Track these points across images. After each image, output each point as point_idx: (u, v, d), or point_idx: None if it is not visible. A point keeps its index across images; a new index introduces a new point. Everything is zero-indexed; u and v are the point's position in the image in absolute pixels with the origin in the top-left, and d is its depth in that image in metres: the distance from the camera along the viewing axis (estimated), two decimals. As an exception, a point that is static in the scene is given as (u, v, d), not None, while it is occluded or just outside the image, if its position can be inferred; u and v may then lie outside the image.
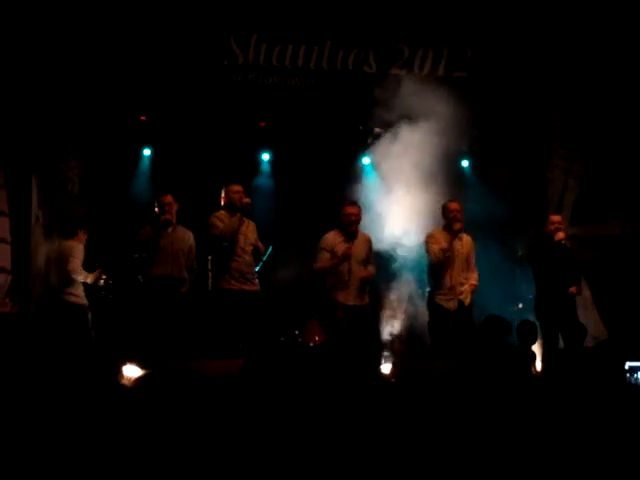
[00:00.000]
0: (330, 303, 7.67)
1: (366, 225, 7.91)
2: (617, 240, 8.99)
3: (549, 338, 7.66)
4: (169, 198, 7.63)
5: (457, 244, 7.72)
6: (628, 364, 6.73)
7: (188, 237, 7.75)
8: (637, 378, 6.81)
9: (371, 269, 7.80)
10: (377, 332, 8.39)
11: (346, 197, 7.99)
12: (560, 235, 7.89)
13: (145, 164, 9.20)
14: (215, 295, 7.63)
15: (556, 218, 8.09)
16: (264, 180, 9.18)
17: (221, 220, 7.47)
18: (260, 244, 7.61)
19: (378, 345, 8.24)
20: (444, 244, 7.64)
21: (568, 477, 2.68)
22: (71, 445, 2.44)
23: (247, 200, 7.47)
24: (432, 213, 8.03)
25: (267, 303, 7.78)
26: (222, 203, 7.56)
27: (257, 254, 7.58)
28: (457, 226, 7.65)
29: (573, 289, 7.86)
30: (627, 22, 8.66)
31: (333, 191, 8.39)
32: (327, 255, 7.67)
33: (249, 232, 7.58)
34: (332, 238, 7.74)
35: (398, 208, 8.04)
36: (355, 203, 7.81)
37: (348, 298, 7.63)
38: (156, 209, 7.62)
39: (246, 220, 7.59)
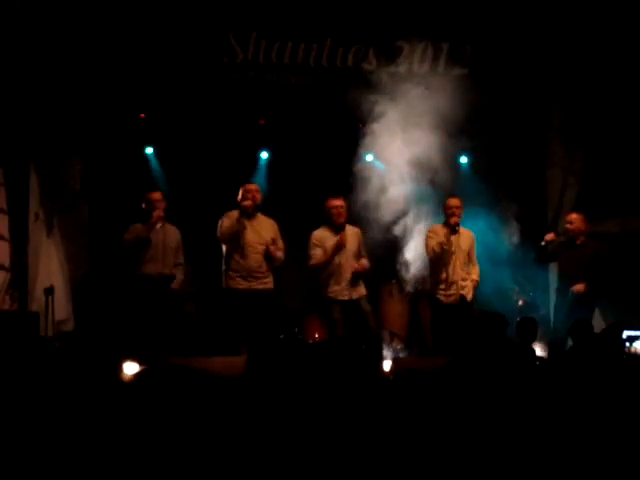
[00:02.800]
0: (325, 302, 7.66)
1: (367, 224, 7.91)
2: (617, 237, 8.98)
3: (558, 334, 7.65)
4: (159, 194, 7.58)
5: (456, 239, 7.71)
6: (626, 333, 6.75)
7: (176, 234, 7.71)
8: (635, 347, 6.83)
9: (364, 262, 7.75)
10: (377, 328, 8.36)
11: (345, 195, 7.97)
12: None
13: (154, 162, 9.16)
14: (223, 293, 7.60)
15: (573, 217, 8.09)
16: (262, 178, 9.16)
17: (229, 219, 7.44)
18: (276, 244, 7.53)
19: (378, 341, 8.22)
20: (443, 239, 7.64)
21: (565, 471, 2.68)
22: (71, 441, 2.44)
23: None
24: (431, 209, 8.04)
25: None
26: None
27: (268, 254, 7.49)
28: (452, 220, 7.63)
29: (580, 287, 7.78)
30: (626, 19, 8.65)
31: (333, 189, 8.37)
32: (320, 251, 7.65)
33: (263, 230, 7.52)
34: (321, 234, 7.72)
35: (399, 205, 8.03)
36: (339, 196, 7.76)
37: (342, 292, 7.61)
38: (143, 205, 7.56)
39: (263, 218, 7.56)
